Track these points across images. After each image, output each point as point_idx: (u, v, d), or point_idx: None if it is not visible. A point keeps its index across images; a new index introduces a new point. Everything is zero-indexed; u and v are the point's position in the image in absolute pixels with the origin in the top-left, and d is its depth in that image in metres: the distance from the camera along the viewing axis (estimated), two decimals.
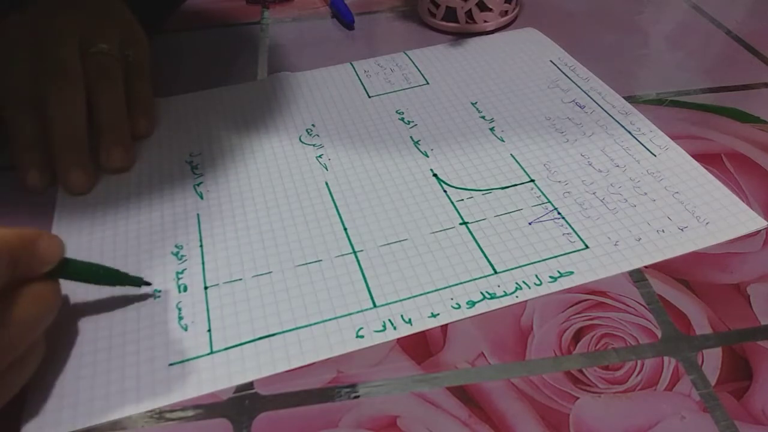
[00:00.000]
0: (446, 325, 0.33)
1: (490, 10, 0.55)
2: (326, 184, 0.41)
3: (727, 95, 0.48)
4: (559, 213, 0.38)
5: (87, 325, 0.33)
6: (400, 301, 0.34)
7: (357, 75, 0.52)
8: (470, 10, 0.55)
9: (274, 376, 0.31)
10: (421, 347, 0.32)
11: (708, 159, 0.41)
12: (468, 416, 0.29)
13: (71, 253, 0.37)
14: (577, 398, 0.29)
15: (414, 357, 0.32)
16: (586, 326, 0.33)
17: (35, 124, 0.41)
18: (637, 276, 0.35)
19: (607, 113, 0.45)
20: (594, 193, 0.39)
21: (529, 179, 0.41)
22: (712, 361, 0.31)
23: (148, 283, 0.34)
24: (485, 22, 0.56)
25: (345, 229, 0.38)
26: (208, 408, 0.30)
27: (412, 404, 0.30)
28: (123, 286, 0.34)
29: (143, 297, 0.34)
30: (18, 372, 0.28)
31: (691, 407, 0.29)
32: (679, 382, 0.30)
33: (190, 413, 0.30)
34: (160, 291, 0.35)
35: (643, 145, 0.42)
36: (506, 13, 0.57)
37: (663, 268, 0.35)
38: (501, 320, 0.33)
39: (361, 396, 0.30)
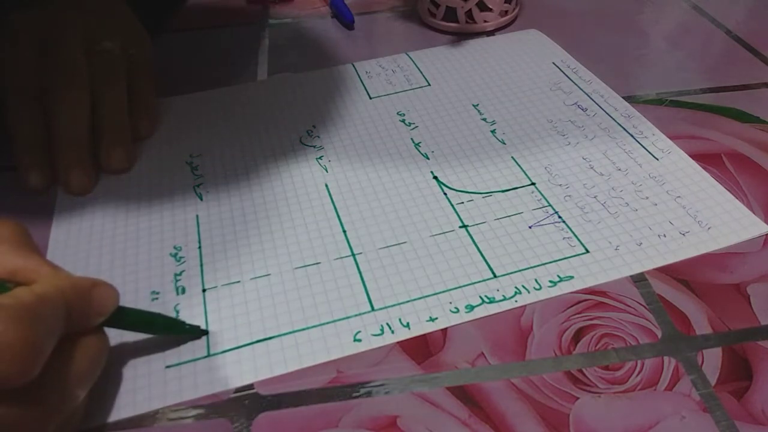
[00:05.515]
0: None
1: (490, 10, 0.55)
2: (326, 186, 0.41)
3: (727, 95, 0.47)
4: (559, 217, 0.38)
5: None
6: (399, 304, 0.34)
7: (358, 76, 0.52)
8: (470, 10, 0.55)
9: (273, 377, 0.31)
10: (421, 347, 0.32)
11: (708, 159, 0.41)
12: (468, 416, 0.29)
13: (71, 254, 0.37)
14: (577, 398, 0.29)
15: (414, 357, 0.32)
16: (586, 326, 0.32)
17: (37, 123, 0.41)
18: (637, 276, 0.35)
19: (610, 116, 0.45)
20: (595, 197, 0.39)
21: (530, 182, 0.40)
22: (712, 361, 0.31)
23: (205, 332, 0.33)
24: (485, 22, 0.56)
25: (344, 232, 0.38)
26: (208, 408, 0.30)
27: (412, 404, 0.30)
28: (179, 335, 0.32)
29: (141, 300, 0.34)
30: (67, 426, 0.27)
31: (691, 407, 0.29)
32: (679, 382, 0.30)
33: (190, 413, 0.30)
34: (158, 293, 0.35)
35: (645, 148, 0.42)
36: (506, 13, 0.57)
37: (663, 268, 0.35)
38: (501, 320, 0.33)
39: (361, 396, 0.30)
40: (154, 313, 0.32)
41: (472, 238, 0.37)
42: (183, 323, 0.33)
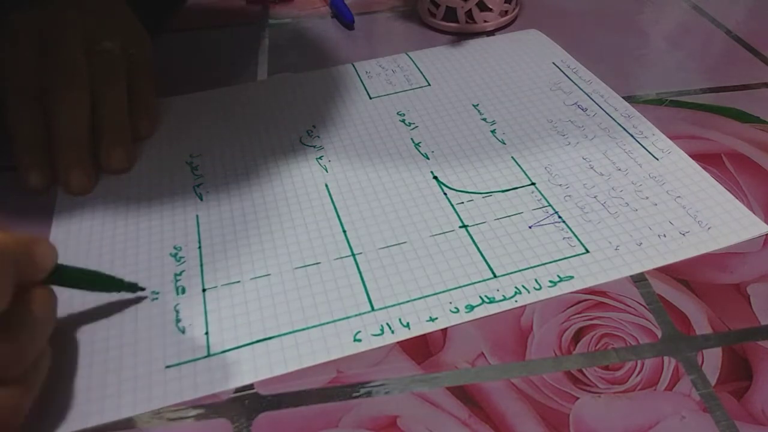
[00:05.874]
0: None
1: (490, 10, 0.55)
2: (326, 186, 0.41)
3: (727, 95, 0.47)
4: (559, 216, 0.38)
5: (84, 328, 0.33)
6: (399, 304, 0.34)
7: (358, 76, 0.52)
8: (470, 10, 0.55)
9: (273, 377, 0.31)
10: (421, 347, 0.32)
11: (708, 159, 0.41)
12: (468, 416, 0.29)
13: (71, 254, 0.37)
14: (577, 398, 0.29)
15: (414, 357, 0.32)
16: (586, 326, 0.32)
17: (37, 123, 0.41)
18: (637, 276, 0.35)
19: (610, 116, 0.45)
20: (595, 197, 0.39)
21: (530, 182, 0.40)
22: (712, 361, 0.31)
23: (142, 288, 0.34)
24: (485, 22, 0.56)
25: (344, 232, 0.38)
26: (208, 408, 0.30)
27: (412, 404, 0.30)
28: (118, 292, 0.34)
29: (141, 299, 0.34)
30: (37, 373, 0.28)
31: (691, 407, 0.29)
32: (679, 382, 0.30)
33: (190, 413, 0.30)
34: (158, 293, 0.35)
35: (645, 148, 0.42)
36: (506, 13, 0.57)
37: (663, 268, 0.35)
38: (501, 320, 0.33)
39: (361, 396, 0.30)
40: (93, 270, 0.33)
41: (472, 238, 0.37)
42: (121, 281, 0.34)
